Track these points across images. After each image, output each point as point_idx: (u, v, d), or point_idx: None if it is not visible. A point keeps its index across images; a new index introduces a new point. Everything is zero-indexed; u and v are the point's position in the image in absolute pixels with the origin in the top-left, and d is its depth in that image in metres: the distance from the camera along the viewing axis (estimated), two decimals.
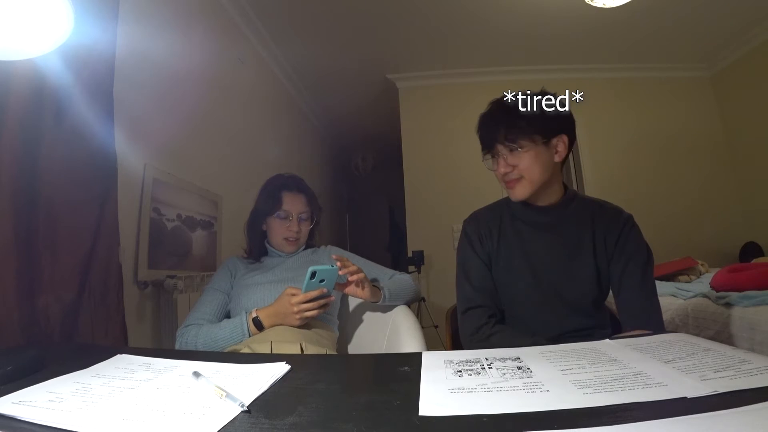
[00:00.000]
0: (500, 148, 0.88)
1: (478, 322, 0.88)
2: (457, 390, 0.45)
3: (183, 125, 1.80)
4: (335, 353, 0.99)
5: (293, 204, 1.16)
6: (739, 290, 1.55)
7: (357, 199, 6.04)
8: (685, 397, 0.39)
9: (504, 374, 0.49)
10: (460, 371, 0.51)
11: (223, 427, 0.38)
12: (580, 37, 2.89)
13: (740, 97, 3.15)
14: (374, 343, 1.12)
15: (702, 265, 2.27)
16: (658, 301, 0.86)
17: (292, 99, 3.51)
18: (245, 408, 0.42)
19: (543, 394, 0.42)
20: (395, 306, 1.09)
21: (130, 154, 1.37)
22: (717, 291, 1.66)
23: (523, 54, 3.14)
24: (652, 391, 0.40)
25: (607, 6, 2.18)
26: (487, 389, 0.45)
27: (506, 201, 1.00)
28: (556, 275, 0.90)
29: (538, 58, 3.20)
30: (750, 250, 2.93)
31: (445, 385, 0.47)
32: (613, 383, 0.43)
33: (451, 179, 3.31)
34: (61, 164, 0.97)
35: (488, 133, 0.88)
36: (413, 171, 3.46)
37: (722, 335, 1.49)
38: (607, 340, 0.62)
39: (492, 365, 0.53)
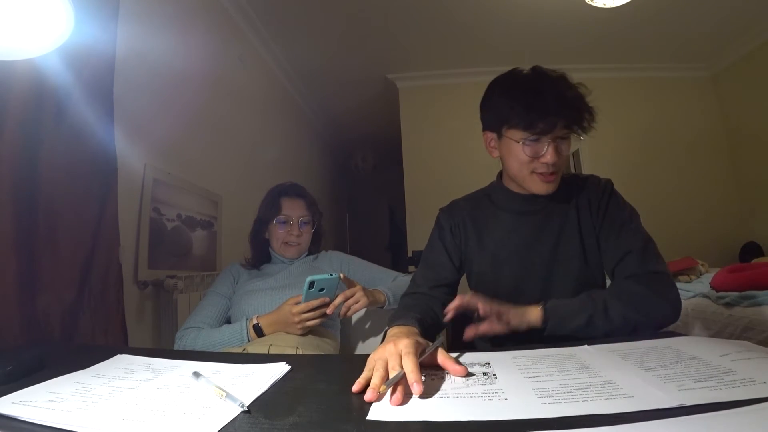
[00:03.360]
0: (560, 132, 0.77)
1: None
2: (414, 395, 0.44)
3: (183, 125, 1.79)
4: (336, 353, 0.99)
5: (293, 208, 1.17)
6: (739, 290, 1.55)
7: (357, 198, 6.04)
8: (650, 410, 0.37)
9: (467, 380, 0.48)
10: (424, 376, 0.50)
11: (223, 427, 0.38)
12: (580, 37, 2.89)
13: (740, 97, 3.15)
14: (375, 344, 1.12)
15: (702, 265, 2.27)
16: (650, 255, 0.77)
17: (292, 99, 3.51)
18: (245, 408, 0.42)
19: (500, 402, 0.41)
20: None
21: (130, 154, 1.37)
22: (717, 291, 1.66)
23: (523, 54, 3.14)
24: (615, 403, 0.39)
25: (607, 6, 2.18)
26: (444, 395, 0.44)
27: (486, 192, 0.96)
28: (545, 262, 0.85)
29: (538, 58, 3.16)
30: (750, 250, 2.93)
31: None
32: (576, 393, 0.42)
33: (451, 179, 3.30)
34: (61, 164, 0.97)
35: (556, 112, 0.75)
36: (413, 171, 3.46)
37: (722, 335, 1.49)
38: (586, 346, 0.60)
39: None
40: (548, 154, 0.77)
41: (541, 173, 0.80)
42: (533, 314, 0.72)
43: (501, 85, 0.83)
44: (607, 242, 0.82)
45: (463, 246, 0.92)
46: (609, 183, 0.88)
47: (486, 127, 0.87)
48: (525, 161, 0.79)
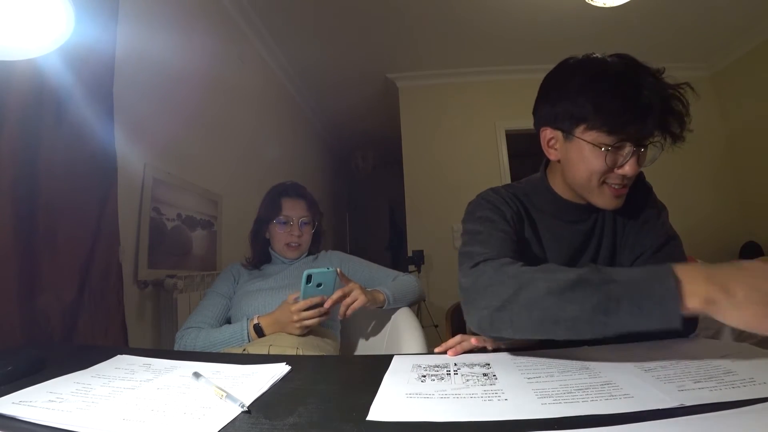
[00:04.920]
0: (648, 140, 0.65)
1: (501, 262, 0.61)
2: (414, 395, 0.44)
3: (183, 125, 1.79)
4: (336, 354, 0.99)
5: (293, 209, 1.17)
6: None
7: (357, 198, 6.04)
8: (649, 410, 0.37)
9: (467, 380, 0.49)
10: (424, 376, 0.51)
11: (223, 428, 0.38)
12: (581, 36, 2.88)
13: (740, 97, 3.15)
14: (375, 344, 1.12)
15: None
16: None
17: (292, 98, 3.51)
18: (245, 408, 0.42)
19: (500, 402, 0.41)
20: (399, 308, 1.09)
21: (130, 154, 1.36)
22: None
23: (523, 53, 3.14)
24: (615, 403, 0.39)
25: (608, 6, 2.18)
26: (444, 395, 0.44)
27: (524, 190, 0.81)
28: None
29: (538, 58, 3.18)
30: (750, 250, 2.93)
31: (404, 390, 0.46)
32: (576, 393, 0.42)
33: (451, 179, 3.30)
34: (61, 164, 0.97)
35: (655, 118, 0.61)
36: (413, 171, 3.46)
37: (722, 335, 1.49)
38: (585, 346, 0.60)
39: (458, 371, 0.53)
40: (628, 165, 0.64)
41: (613, 186, 0.67)
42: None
43: (581, 75, 0.68)
44: (625, 241, 0.75)
45: (518, 232, 0.74)
46: (641, 174, 0.78)
47: (547, 123, 0.72)
48: (600, 170, 0.66)
